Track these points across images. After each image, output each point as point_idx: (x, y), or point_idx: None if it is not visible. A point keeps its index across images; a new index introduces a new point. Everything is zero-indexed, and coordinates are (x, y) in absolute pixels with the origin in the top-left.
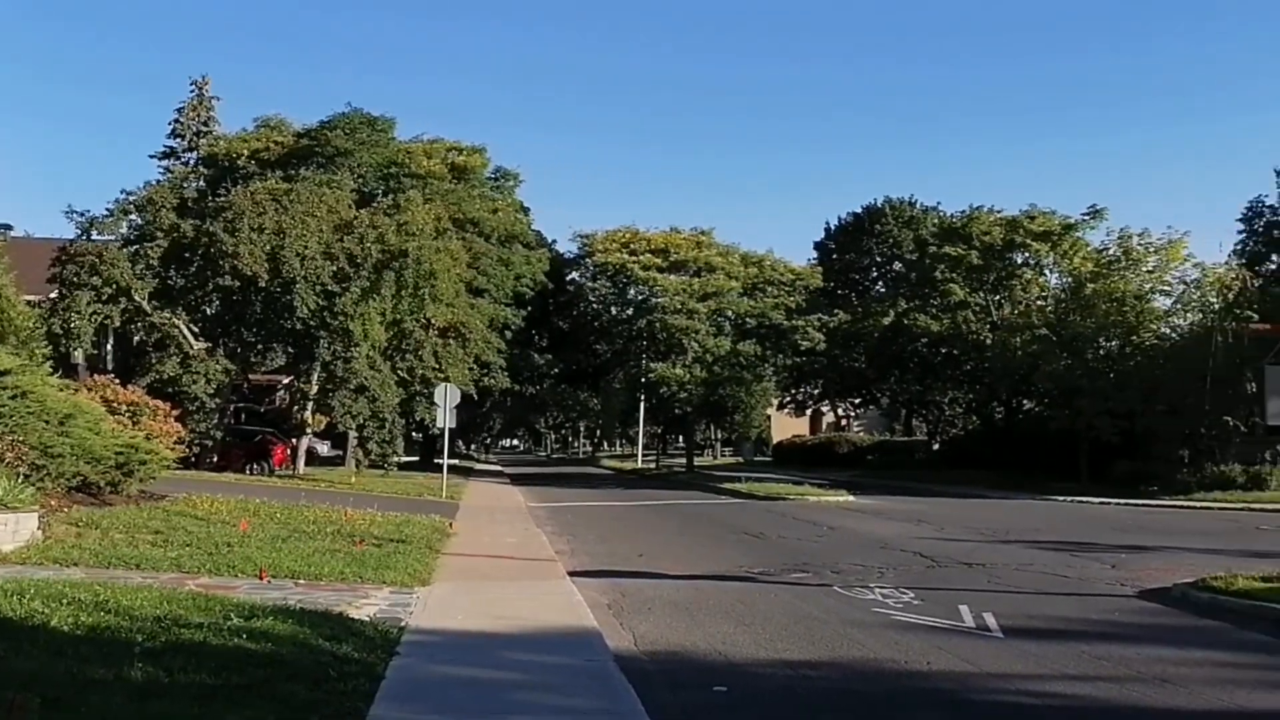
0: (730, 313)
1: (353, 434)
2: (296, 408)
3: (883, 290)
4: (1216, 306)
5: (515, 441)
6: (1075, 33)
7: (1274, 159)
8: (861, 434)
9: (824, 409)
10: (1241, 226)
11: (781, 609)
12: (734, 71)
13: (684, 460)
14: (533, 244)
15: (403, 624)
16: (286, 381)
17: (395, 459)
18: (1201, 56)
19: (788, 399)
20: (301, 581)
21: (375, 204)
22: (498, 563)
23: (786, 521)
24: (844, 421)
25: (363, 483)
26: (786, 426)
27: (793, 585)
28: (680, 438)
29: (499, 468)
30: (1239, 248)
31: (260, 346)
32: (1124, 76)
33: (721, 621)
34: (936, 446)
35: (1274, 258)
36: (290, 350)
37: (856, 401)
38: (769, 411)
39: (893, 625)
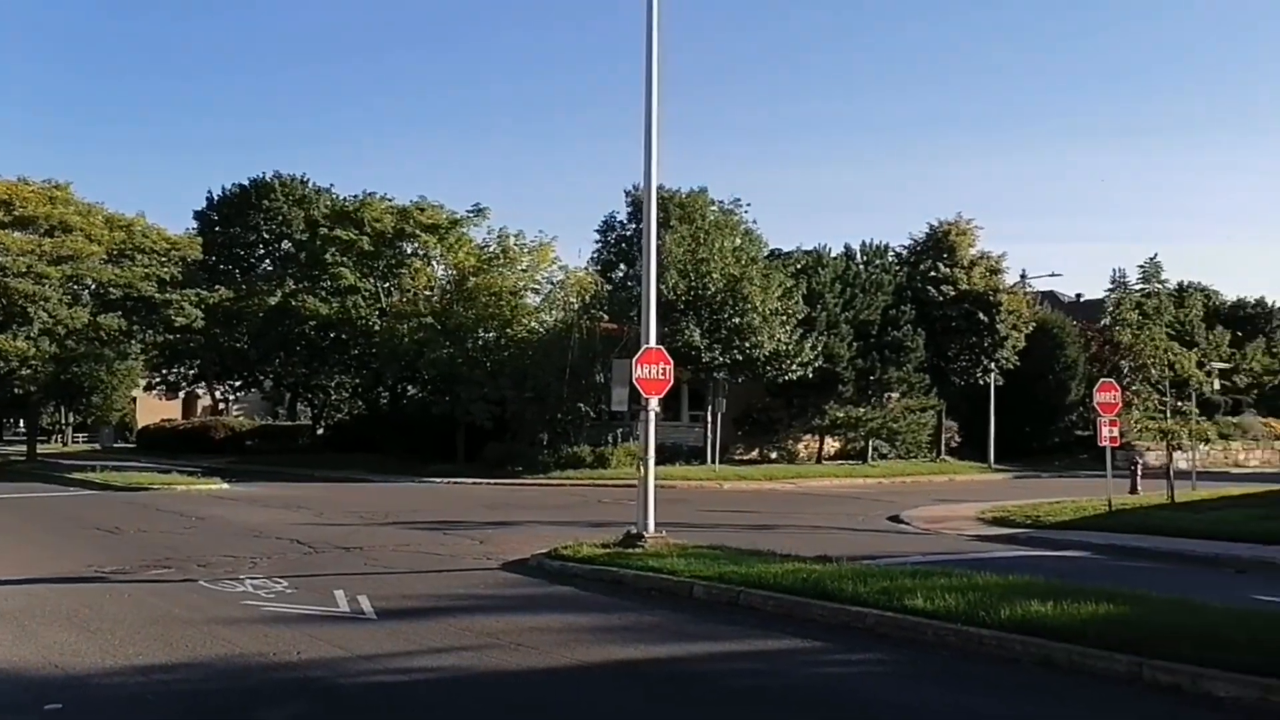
0: (90, 280)
1: None
2: None
3: (270, 268)
4: (576, 306)
5: None
6: (461, 46)
7: (624, 181)
8: (241, 418)
9: (200, 391)
10: (598, 237)
11: (136, 610)
12: (99, 19)
13: (25, 448)
14: None
15: None
16: None
17: None
18: (566, 81)
19: (158, 380)
20: None
21: None
22: None
23: (149, 513)
24: (222, 405)
25: None
26: (155, 410)
27: (153, 583)
28: (20, 422)
29: None
30: (595, 256)
31: None
32: (512, 89)
33: (61, 629)
34: (321, 431)
35: (622, 267)
36: None
37: (237, 384)
38: (134, 394)
39: (264, 617)
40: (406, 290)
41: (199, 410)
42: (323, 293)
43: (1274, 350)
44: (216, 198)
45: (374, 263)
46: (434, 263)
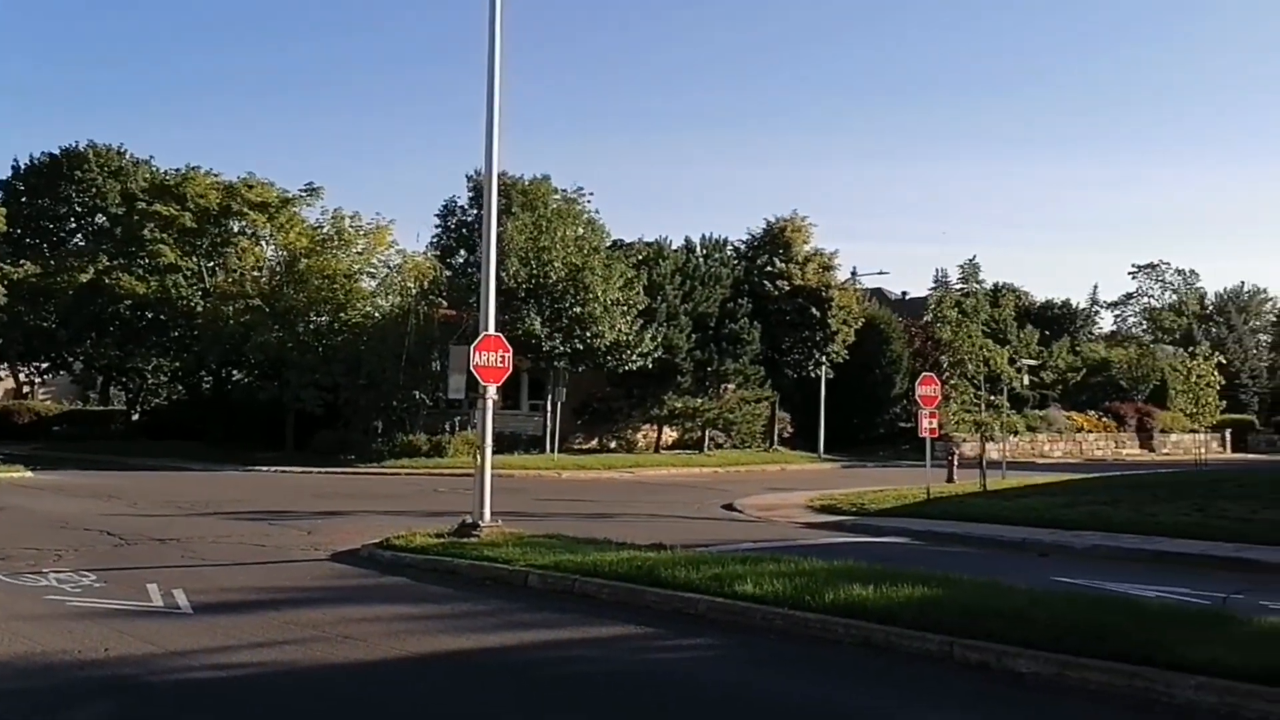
0: None
1: None
2: None
3: (83, 243)
4: (414, 291)
5: None
6: (312, 21)
7: (466, 165)
8: (49, 402)
9: (2, 373)
10: (438, 222)
11: None
12: None
13: None
14: None
15: None
16: None
17: None
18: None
19: None
20: None
21: None
22: None
23: None
24: (26, 388)
25: None
26: None
27: None
28: None
29: None
30: (435, 240)
31: None
32: (350, 65)
33: None
34: (137, 417)
35: (462, 252)
36: None
37: (44, 366)
38: None
39: (69, 613)
40: (233, 270)
41: (1, 393)
42: (140, 270)
43: (1077, 349)
44: (23, 167)
45: (197, 240)
46: (263, 242)
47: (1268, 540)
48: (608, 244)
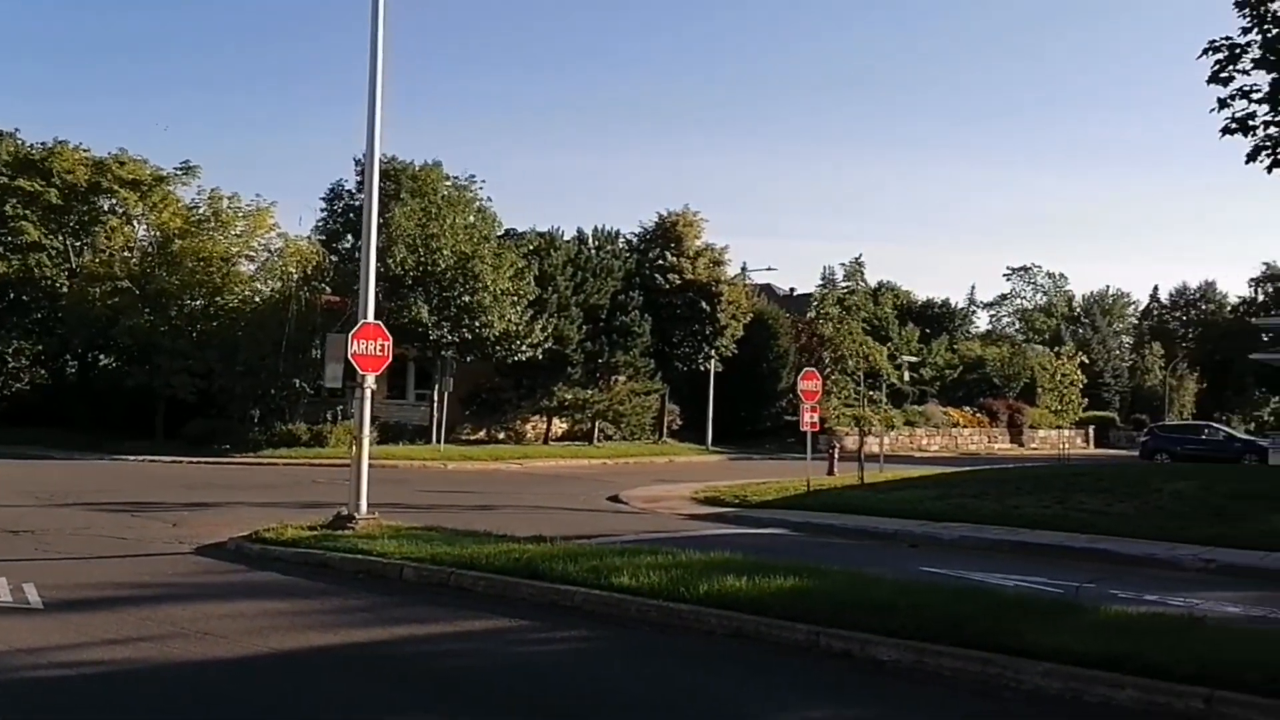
0: None
1: None
2: None
3: None
4: (296, 277)
5: None
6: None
7: (353, 149)
8: None
9: None
10: (324, 206)
11: None
12: None
13: None
14: None
15: None
16: None
17: None
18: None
19: None
20: None
21: None
22: None
23: None
24: None
25: None
26: None
27: None
28: None
29: None
30: (320, 224)
31: None
32: (231, 39)
33: None
34: None
35: (349, 238)
36: None
37: None
38: None
39: None
40: (101, 250)
41: None
42: (2, 250)
43: (955, 347)
44: None
45: (64, 218)
46: (135, 222)
47: (1119, 532)
48: (499, 233)
